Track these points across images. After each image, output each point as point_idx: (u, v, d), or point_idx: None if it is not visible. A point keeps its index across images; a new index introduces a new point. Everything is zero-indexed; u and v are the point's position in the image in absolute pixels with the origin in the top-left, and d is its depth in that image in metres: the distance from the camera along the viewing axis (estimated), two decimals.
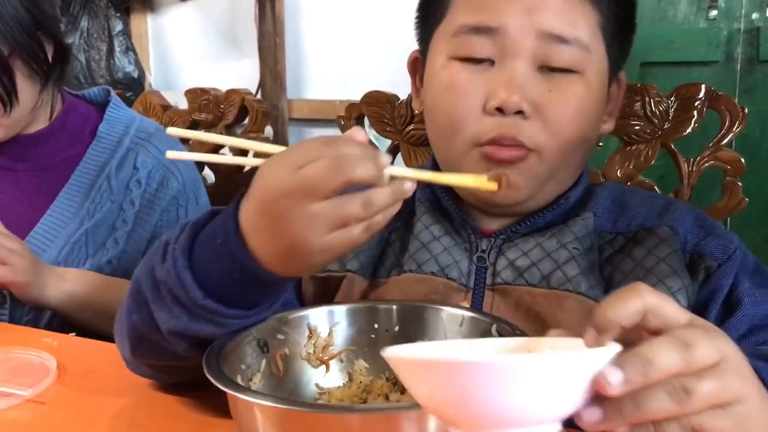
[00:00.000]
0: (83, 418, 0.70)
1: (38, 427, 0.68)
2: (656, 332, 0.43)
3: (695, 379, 0.40)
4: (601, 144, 1.04)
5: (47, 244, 1.10)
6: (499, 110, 0.71)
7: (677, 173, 1.01)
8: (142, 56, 3.01)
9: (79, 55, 2.96)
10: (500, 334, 0.61)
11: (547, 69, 0.72)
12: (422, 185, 0.82)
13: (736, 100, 0.97)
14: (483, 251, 0.77)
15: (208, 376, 0.54)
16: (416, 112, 0.83)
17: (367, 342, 0.68)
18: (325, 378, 0.67)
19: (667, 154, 1.02)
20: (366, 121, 1.18)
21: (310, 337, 0.67)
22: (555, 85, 0.72)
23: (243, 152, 1.13)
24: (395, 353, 0.42)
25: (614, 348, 0.41)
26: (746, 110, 0.96)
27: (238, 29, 2.79)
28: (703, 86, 0.98)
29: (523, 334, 0.59)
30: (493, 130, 0.72)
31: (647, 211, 0.78)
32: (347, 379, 0.68)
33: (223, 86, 1.41)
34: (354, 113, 1.18)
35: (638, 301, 0.43)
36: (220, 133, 1.35)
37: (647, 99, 1.00)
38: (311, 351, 0.67)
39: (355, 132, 0.54)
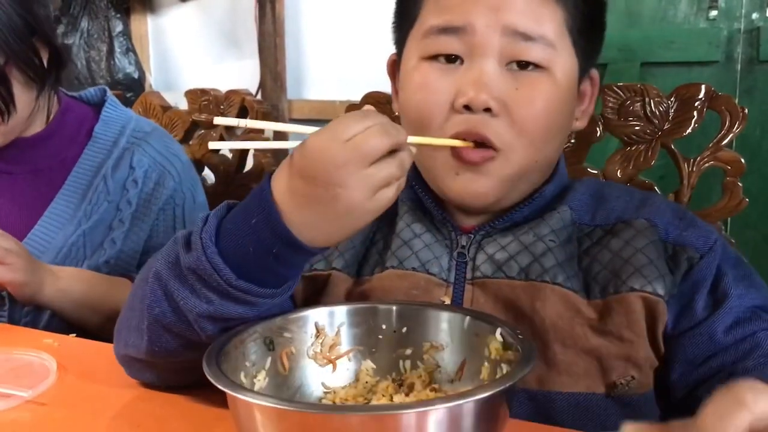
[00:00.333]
0: (83, 419, 0.70)
1: (38, 428, 0.68)
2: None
3: None
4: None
5: (45, 246, 1.10)
6: (467, 108, 0.73)
7: (677, 174, 1.01)
8: (143, 57, 3.01)
9: (79, 55, 2.96)
10: (504, 338, 0.61)
11: (514, 67, 0.75)
12: (406, 187, 0.86)
13: (737, 100, 0.97)
14: (463, 247, 0.79)
15: (208, 375, 0.54)
16: (395, 113, 0.86)
17: (375, 342, 0.68)
18: (331, 377, 0.67)
19: (667, 154, 1.02)
20: None
21: (317, 336, 0.68)
22: (522, 83, 0.74)
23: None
24: None
25: None
26: (746, 110, 0.97)
27: (238, 30, 2.79)
28: (703, 86, 0.98)
29: (524, 336, 0.60)
30: (459, 126, 0.74)
31: (625, 204, 0.80)
32: (354, 379, 0.68)
33: (224, 87, 1.41)
34: None
35: (746, 415, 0.40)
36: (221, 134, 1.35)
37: (647, 99, 1.00)
38: (318, 350, 0.67)
39: (371, 108, 0.62)
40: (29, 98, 1.08)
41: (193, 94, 1.40)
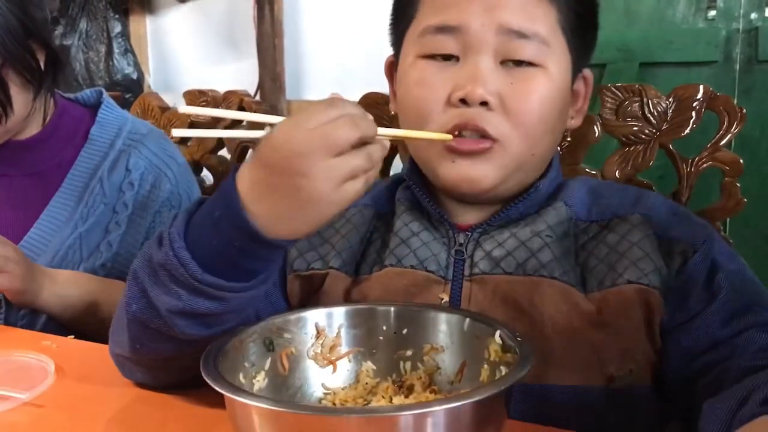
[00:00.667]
0: (81, 421, 0.70)
1: (36, 431, 0.68)
2: None
3: None
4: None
5: (41, 249, 1.09)
6: (464, 102, 0.74)
7: (676, 174, 1.01)
8: (141, 58, 3.01)
9: (78, 56, 2.97)
10: (503, 340, 0.61)
11: (509, 63, 0.76)
12: (402, 187, 0.88)
13: (735, 100, 0.97)
14: (461, 245, 0.80)
15: (205, 376, 0.54)
16: (392, 113, 0.87)
17: (375, 344, 0.68)
18: (332, 378, 0.68)
19: (665, 155, 1.02)
20: None
21: (318, 337, 0.68)
22: (517, 78, 0.75)
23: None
24: None
25: None
26: (744, 111, 0.97)
27: (236, 31, 2.79)
28: (701, 87, 0.98)
29: (523, 338, 0.60)
30: (457, 118, 0.75)
31: (620, 200, 0.82)
32: (354, 380, 0.68)
33: (223, 87, 1.41)
34: None
35: None
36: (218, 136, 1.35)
37: (645, 100, 1.00)
38: (319, 351, 0.67)
39: (336, 97, 0.59)
40: (26, 100, 1.08)
41: (191, 95, 1.40)
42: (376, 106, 1.15)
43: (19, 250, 1.00)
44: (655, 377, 0.75)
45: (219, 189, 0.61)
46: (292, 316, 0.67)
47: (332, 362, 0.68)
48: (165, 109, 1.44)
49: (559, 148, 0.98)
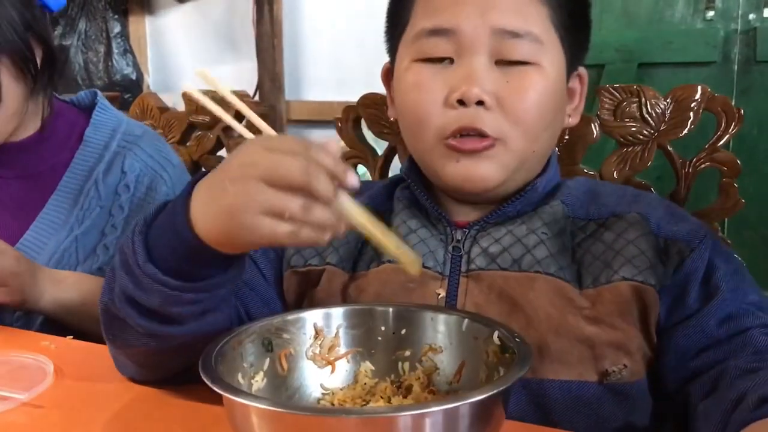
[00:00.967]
0: (80, 422, 0.70)
1: (35, 431, 0.68)
2: None
3: None
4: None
5: (37, 252, 1.09)
6: (461, 103, 0.75)
7: (674, 175, 1.01)
8: (141, 58, 3.01)
9: (77, 57, 2.97)
10: (501, 341, 0.61)
11: (504, 63, 0.76)
12: (401, 187, 0.88)
13: (734, 101, 0.97)
14: (458, 241, 0.81)
15: (203, 377, 0.54)
16: (391, 119, 0.87)
17: (374, 344, 0.68)
18: (330, 378, 0.68)
19: (663, 155, 1.02)
20: (363, 122, 1.18)
21: (316, 337, 0.68)
22: (512, 77, 0.76)
23: None
24: None
25: None
26: (742, 111, 0.97)
27: (236, 31, 2.79)
28: (699, 88, 0.98)
29: (522, 339, 0.60)
30: (456, 121, 0.75)
31: (618, 200, 0.82)
32: (353, 381, 0.68)
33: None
34: (351, 115, 1.18)
35: None
36: (217, 136, 1.35)
37: (643, 100, 1.00)
38: (317, 351, 0.68)
39: (331, 144, 0.57)
40: (18, 94, 1.06)
41: (190, 96, 1.39)
42: (374, 106, 1.15)
43: (21, 257, 0.99)
44: (651, 374, 0.76)
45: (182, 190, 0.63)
46: (291, 317, 0.67)
47: (331, 362, 0.68)
48: (164, 109, 1.43)
49: (556, 147, 0.98)
